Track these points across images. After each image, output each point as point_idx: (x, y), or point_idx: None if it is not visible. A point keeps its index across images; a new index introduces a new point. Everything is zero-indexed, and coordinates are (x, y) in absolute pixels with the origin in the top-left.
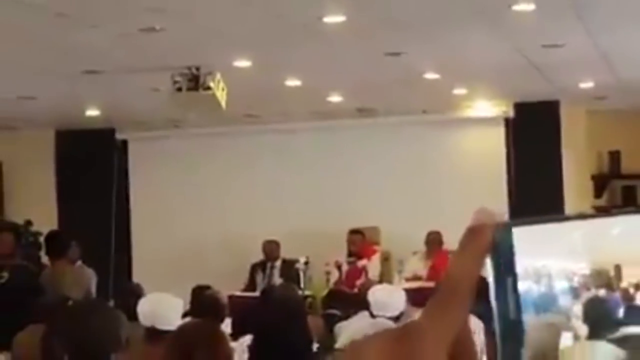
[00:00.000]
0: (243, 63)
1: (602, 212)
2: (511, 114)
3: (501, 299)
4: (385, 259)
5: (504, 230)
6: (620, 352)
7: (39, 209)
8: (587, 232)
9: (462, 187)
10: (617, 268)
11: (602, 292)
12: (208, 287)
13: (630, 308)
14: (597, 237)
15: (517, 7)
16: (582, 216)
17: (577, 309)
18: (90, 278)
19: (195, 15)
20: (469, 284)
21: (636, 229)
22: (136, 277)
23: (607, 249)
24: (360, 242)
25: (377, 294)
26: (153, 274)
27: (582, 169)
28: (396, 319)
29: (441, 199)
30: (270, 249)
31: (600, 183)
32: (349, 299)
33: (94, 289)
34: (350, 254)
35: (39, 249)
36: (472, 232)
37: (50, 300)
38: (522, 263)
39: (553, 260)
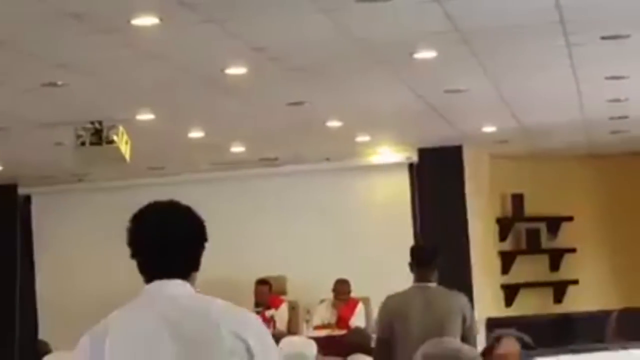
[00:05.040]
0: (146, 116)
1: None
2: (415, 159)
3: None
4: (293, 308)
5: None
6: None
7: None
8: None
9: (368, 233)
10: None
11: None
12: None
13: None
14: None
15: (418, 55)
16: (602, 347)
17: None
18: None
19: (97, 69)
20: None
21: None
22: (43, 334)
23: None
24: (267, 292)
25: (287, 345)
26: (61, 329)
27: (486, 213)
28: None
29: (348, 246)
30: None
31: (504, 226)
32: None
33: None
34: (257, 304)
35: None
36: None
37: None
38: None
39: None
